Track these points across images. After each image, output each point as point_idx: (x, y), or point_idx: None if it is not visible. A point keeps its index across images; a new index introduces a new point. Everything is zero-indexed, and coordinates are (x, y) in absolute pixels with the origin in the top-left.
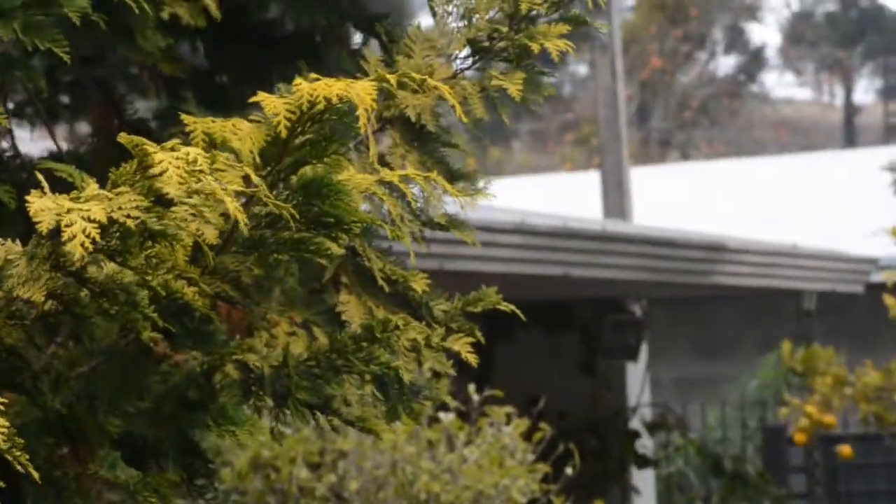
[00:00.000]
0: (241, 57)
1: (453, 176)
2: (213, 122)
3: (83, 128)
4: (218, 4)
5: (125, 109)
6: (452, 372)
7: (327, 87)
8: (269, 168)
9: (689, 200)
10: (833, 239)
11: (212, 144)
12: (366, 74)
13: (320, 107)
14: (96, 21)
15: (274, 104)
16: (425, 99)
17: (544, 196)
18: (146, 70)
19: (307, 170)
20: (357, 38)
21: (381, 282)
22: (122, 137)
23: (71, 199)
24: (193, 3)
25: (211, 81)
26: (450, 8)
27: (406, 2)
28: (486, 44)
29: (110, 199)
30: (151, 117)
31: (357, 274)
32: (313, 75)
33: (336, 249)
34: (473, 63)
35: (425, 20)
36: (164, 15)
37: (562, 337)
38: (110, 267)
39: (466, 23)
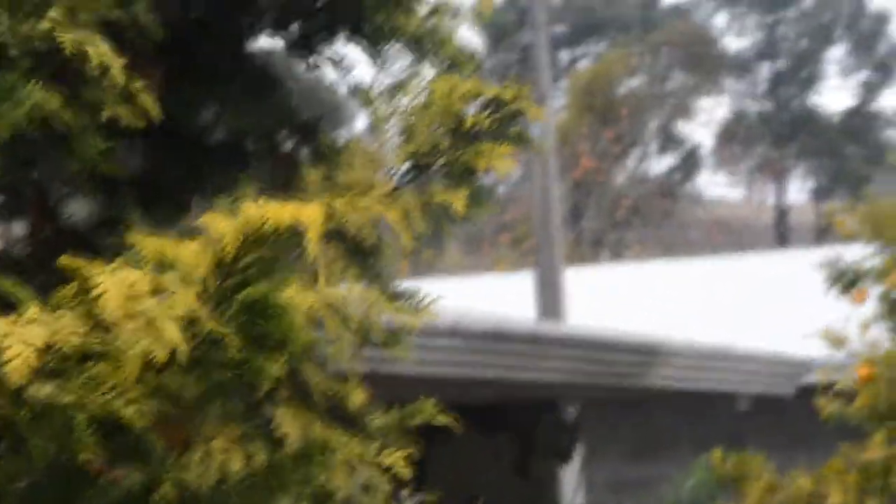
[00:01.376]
0: (179, 160)
1: (392, 293)
2: (161, 240)
3: (20, 229)
4: (157, 106)
5: (60, 214)
6: (388, 486)
7: (276, 211)
8: (215, 287)
9: (623, 301)
10: (766, 341)
11: (160, 263)
12: (301, 182)
13: (268, 229)
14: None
15: (221, 226)
16: (365, 213)
17: (479, 297)
18: (84, 172)
19: (252, 290)
20: (290, 144)
21: (318, 397)
22: (64, 260)
23: (11, 323)
24: (133, 105)
25: (150, 184)
26: (390, 122)
27: (342, 108)
28: (428, 159)
29: (50, 323)
30: (89, 223)
31: (295, 387)
32: (261, 199)
33: (277, 371)
34: (415, 177)
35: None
36: (103, 117)
37: (497, 439)
38: (48, 388)
39: (407, 137)
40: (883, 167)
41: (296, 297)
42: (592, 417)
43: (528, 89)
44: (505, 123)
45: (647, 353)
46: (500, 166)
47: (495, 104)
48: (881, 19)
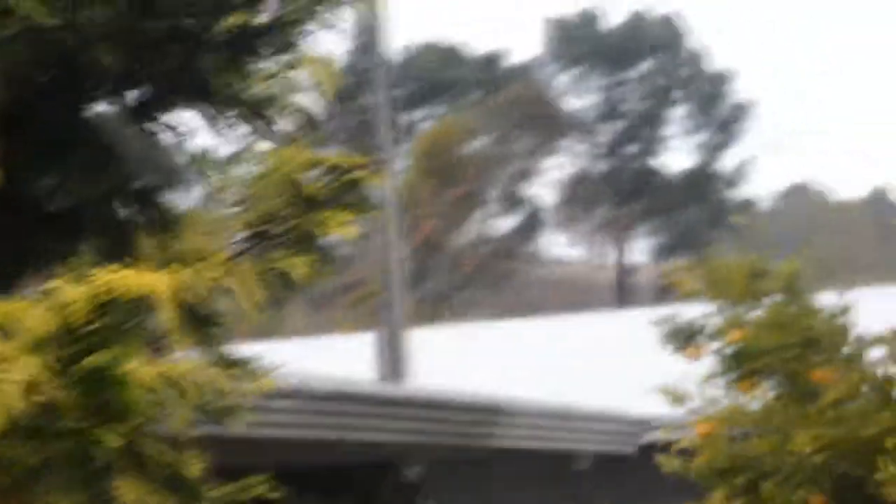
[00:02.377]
0: (16, 229)
1: (230, 360)
2: (7, 304)
3: None
4: None
5: None
6: None
7: (127, 279)
8: (59, 354)
9: (466, 361)
10: (607, 400)
11: (3, 328)
12: (137, 250)
13: (119, 296)
14: None
15: (71, 292)
16: (209, 282)
17: (322, 358)
18: None
19: (94, 358)
20: (127, 211)
21: (156, 467)
22: None
23: None
24: None
25: None
26: (229, 190)
27: (181, 175)
28: (268, 227)
29: None
30: None
31: (133, 457)
32: (109, 267)
33: (114, 441)
34: (254, 245)
35: (202, 191)
36: None
37: (340, 502)
38: None
39: (246, 205)
40: (723, 227)
41: (138, 368)
42: (436, 478)
43: (366, 158)
44: (344, 191)
45: (490, 413)
46: (341, 233)
47: (334, 172)
48: (721, 80)
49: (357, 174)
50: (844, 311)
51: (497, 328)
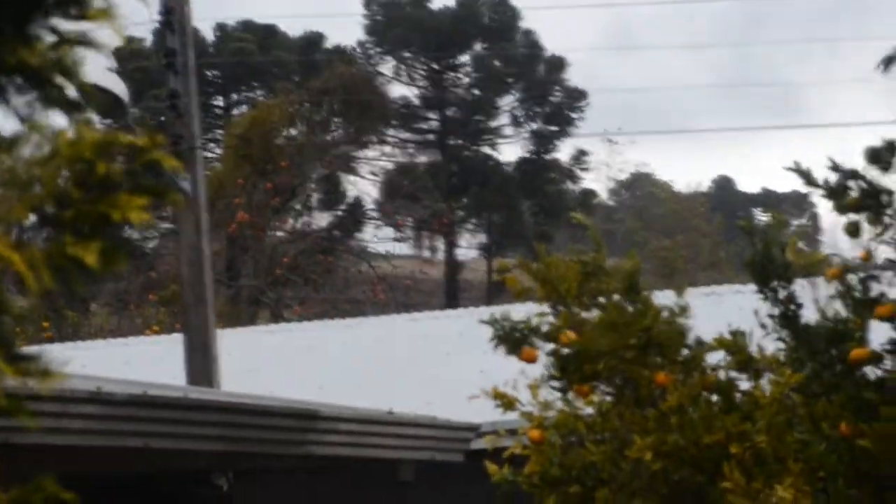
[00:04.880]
0: None
1: (17, 356)
2: None
3: None
4: None
5: None
6: None
7: None
8: None
9: (282, 364)
10: (434, 404)
11: None
12: None
13: None
14: None
15: None
16: None
17: (126, 361)
18: None
19: None
20: None
21: None
22: None
23: None
24: None
25: None
26: (14, 172)
27: None
28: (55, 211)
29: None
30: None
31: None
32: None
33: None
34: (41, 230)
35: None
36: None
37: None
38: None
39: (31, 188)
40: (557, 221)
41: None
42: (250, 488)
43: (165, 137)
44: (141, 173)
45: (307, 419)
46: (136, 217)
47: (130, 153)
48: (555, 65)
49: (155, 154)
50: (684, 311)
51: (317, 328)
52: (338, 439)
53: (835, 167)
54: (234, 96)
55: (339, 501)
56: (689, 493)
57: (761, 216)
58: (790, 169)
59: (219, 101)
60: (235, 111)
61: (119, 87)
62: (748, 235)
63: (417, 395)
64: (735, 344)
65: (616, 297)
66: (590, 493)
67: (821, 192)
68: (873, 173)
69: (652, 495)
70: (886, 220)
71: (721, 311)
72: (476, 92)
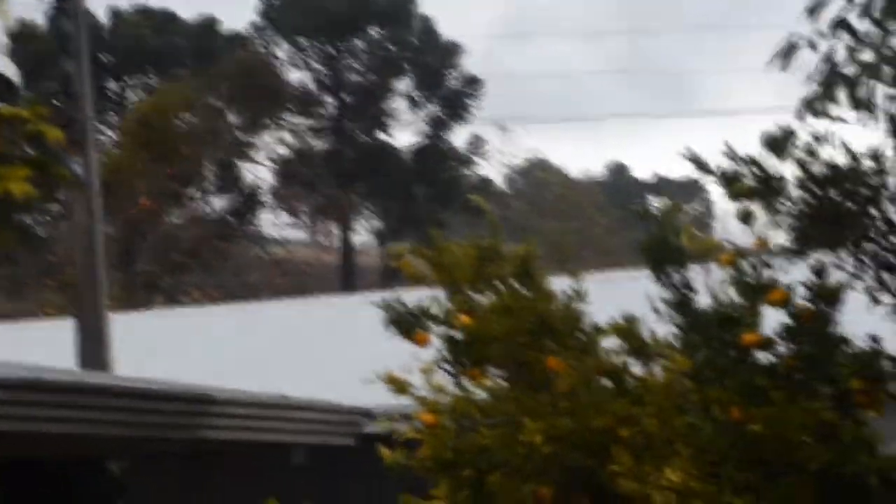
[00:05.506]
0: None
1: None
2: None
3: None
4: None
5: None
6: None
7: None
8: None
9: (177, 349)
10: (328, 388)
11: None
12: None
13: None
14: None
15: None
16: None
17: (19, 345)
18: None
19: None
20: None
21: None
22: None
23: None
24: None
25: None
26: None
27: None
28: None
29: None
30: None
31: None
32: None
33: None
34: None
35: None
36: None
37: (36, 498)
38: None
39: None
40: (454, 207)
41: None
42: (143, 472)
43: (48, 109)
44: (24, 145)
45: (199, 403)
46: (17, 190)
47: (10, 126)
48: (451, 51)
49: (39, 125)
50: (578, 296)
51: (212, 313)
52: (231, 423)
53: (729, 154)
54: (129, 81)
55: (233, 486)
56: (580, 476)
57: (655, 203)
58: (684, 156)
59: (113, 86)
60: (130, 95)
61: (10, 69)
62: (643, 221)
63: (311, 380)
64: (628, 329)
65: (511, 282)
66: (482, 477)
67: (714, 179)
68: (767, 160)
69: (544, 479)
70: (778, 206)
71: (615, 296)
72: (371, 78)
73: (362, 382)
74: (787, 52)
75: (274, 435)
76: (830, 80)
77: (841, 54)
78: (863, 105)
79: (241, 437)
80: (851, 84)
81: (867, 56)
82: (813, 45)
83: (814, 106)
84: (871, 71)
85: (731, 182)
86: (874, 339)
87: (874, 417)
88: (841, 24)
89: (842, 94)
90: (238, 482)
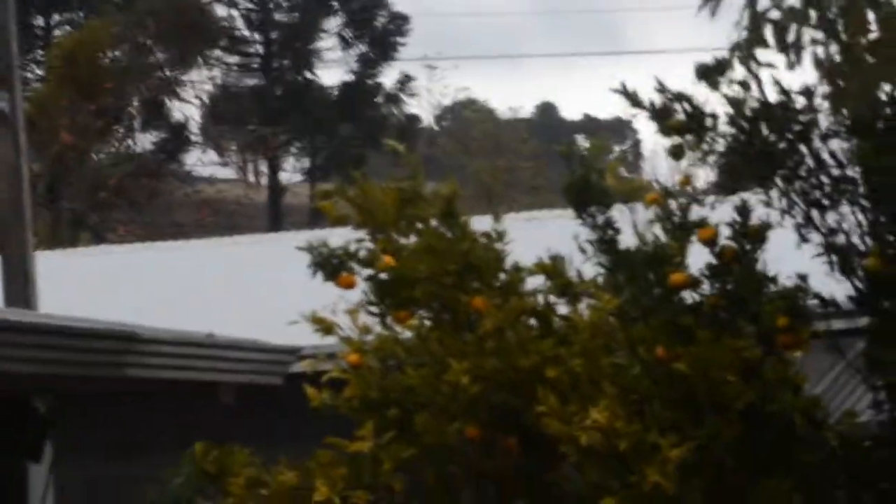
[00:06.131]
0: None
1: None
2: None
3: None
4: None
5: None
6: None
7: None
8: None
9: (104, 287)
10: (257, 327)
11: None
12: None
13: None
14: None
15: None
16: None
17: None
18: None
19: None
20: None
21: None
22: None
23: None
24: None
25: None
26: None
27: None
28: None
29: None
30: None
31: None
32: None
33: None
34: None
35: None
36: None
37: None
38: None
39: None
40: (379, 147)
41: None
42: (67, 412)
43: None
44: None
45: (124, 341)
46: None
47: None
48: None
49: None
50: (501, 236)
51: (139, 251)
52: (157, 362)
53: (660, 89)
54: (56, 17)
55: (161, 424)
56: (507, 416)
57: (583, 142)
58: (616, 91)
59: (39, 22)
60: (57, 32)
61: None
62: (567, 160)
63: (239, 319)
64: (554, 269)
65: (434, 222)
66: (409, 417)
67: (645, 113)
68: (698, 94)
69: (470, 419)
70: (709, 143)
71: (541, 236)
72: (299, 16)
73: (289, 323)
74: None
75: (201, 374)
76: (757, 25)
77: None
78: (790, 48)
79: (167, 376)
80: (779, 28)
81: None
82: None
83: (742, 50)
84: (796, 15)
85: (661, 116)
86: (800, 277)
87: (801, 356)
88: None
89: (769, 38)
90: (166, 420)
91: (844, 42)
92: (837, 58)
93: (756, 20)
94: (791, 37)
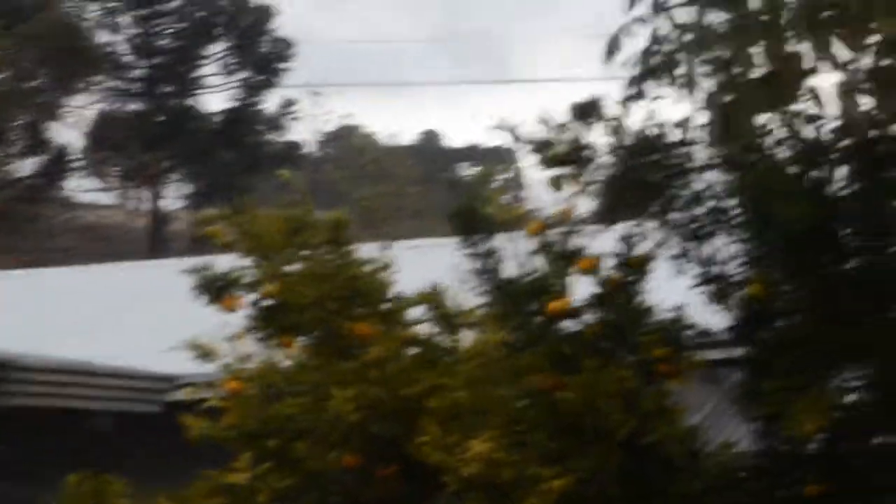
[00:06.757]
0: None
1: None
2: None
3: None
4: None
5: None
6: None
7: None
8: None
9: None
10: (137, 355)
11: None
12: None
13: None
14: None
15: None
16: None
17: None
18: None
19: None
20: None
21: None
22: None
23: None
24: None
25: None
26: None
27: None
28: None
29: None
30: None
31: None
32: None
33: None
34: None
35: None
36: None
37: None
38: None
39: None
40: (265, 173)
41: None
42: None
43: None
44: None
45: (1, 369)
46: None
47: None
48: (263, 15)
49: None
50: (387, 264)
51: (19, 277)
52: (34, 389)
53: (542, 121)
54: None
55: (37, 452)
56: (387, 445)
57: (467, 170)
58: (497, 127)
59: None
60: None
61: None
62: (452, 189)
63: (118, 346)
64: (436, 298)
65: (321, 249)
66: (288, 446)
67: (526, 147)
68: (578, 127)
69: (349, 447)
70: (588, 174)
71: (425, 264)
72: (183, 41)
73: (169, 349)
74: (612, 47)
75: (78, 402)
76: (650, 59)
77: (661, 33)
78: (681, 82)
79: (43, 404)
80: (670, 63)
81: (685, 36)
82: (633, 30)
83: (635, 86)
84: (689, 49)
85: (543, 149)
86: (677, 308)
87: (680, 387)
88: (659, 8)
89: (662, 72)
90: (42, 447)
91: (732, 77)
92: (723, 93)
93: (647, 56)
94: (680, 72)
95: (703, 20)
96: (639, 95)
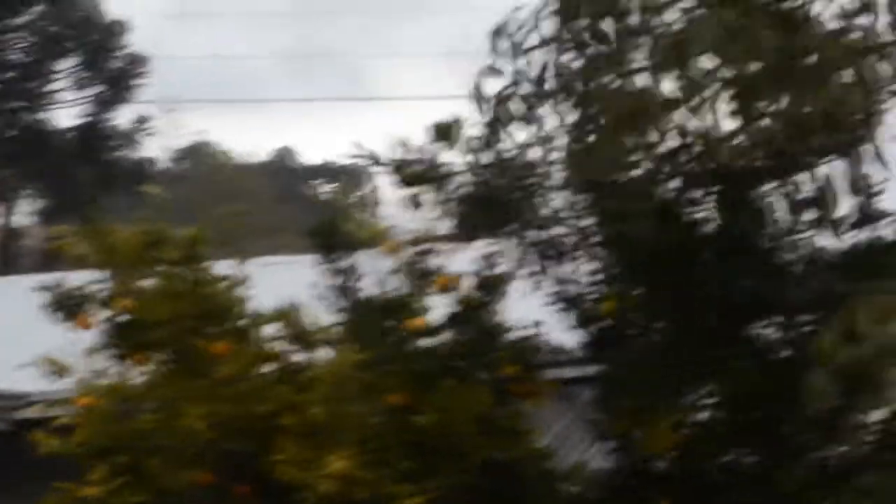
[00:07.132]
0: None
1: None
2: None
3: None
4: None
5: None
6: None
7: None
8: None
9: None
10: None
11: None
12: None
13: None
14: None
15: None
16: None
17: None
18: None
19: None
20: None
21: None
22: None
23: None
24: None
25: None
26: None
27: None
28: None
29: None
30: None
31: None
32: None
33: None
34: None
35: None
36: None
37: None
38: None
39: None
40: (115, 188)
41: None
42: None
43: None
44: None
45: None
46: None
47: None
48: (116, 30)
49: None
50: (241, 281)
51: None
52: None
53: (400, 140)
54: None
55: None
56: (241, 462)
57: (322, 188)
58: (354, 145)
59: None
60: None
61: None
62: (309, 206)
63: None
64: (291, 316)
65: (176, 266)
66: (142, 462)
67: (384, 167)
68: (436, 148)
69: (202, 465)
70: (446, 194)
71: (280, 281)
72: (34, 56)
73: (19, 367)
74: (479, 96)
75: None
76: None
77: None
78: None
79: None
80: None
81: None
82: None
83: (492, 126)
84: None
85: (400, 169)
86: (531, 326)
87: (534, 405)
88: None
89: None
90: None
91: (591, 114)
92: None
93: (505, 100)
94: (538, 111)
95: (558, 61)
96: (496, 128)
